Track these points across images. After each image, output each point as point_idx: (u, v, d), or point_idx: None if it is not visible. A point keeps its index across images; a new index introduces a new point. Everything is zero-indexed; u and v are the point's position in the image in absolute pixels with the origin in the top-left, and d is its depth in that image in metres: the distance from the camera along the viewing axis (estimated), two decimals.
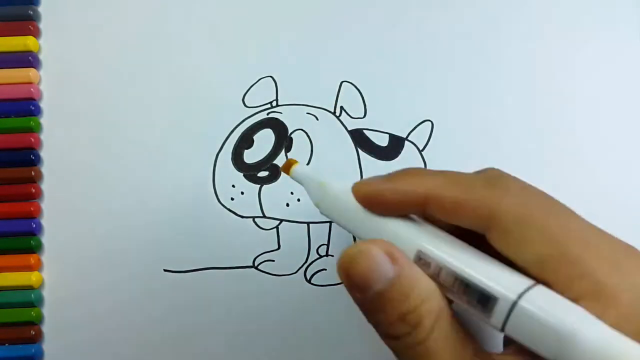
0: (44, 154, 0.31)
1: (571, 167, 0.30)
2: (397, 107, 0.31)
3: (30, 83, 0.31)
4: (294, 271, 0.30)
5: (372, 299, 0.19)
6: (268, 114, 0.31)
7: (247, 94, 0.31)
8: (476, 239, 0.19)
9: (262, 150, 0.30)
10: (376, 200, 0.20)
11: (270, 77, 0.31)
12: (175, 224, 0.30)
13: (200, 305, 0.30)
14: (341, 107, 0.31)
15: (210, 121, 0.31)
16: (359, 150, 0.31)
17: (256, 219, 0.30)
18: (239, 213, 0.30)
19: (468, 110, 0.31)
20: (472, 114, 0.31)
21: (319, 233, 0.30)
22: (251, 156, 0.31)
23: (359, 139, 0.31)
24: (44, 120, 0.31)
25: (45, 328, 0.30)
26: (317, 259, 0.30)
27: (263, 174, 0.30)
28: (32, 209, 0.30)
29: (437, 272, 0.19)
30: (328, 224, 0.30)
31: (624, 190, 0.30)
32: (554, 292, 0.17)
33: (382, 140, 0.31)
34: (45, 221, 0.30)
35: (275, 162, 0.30)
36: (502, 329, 0.18)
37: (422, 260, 0.19)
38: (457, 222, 0.19)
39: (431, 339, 0.18)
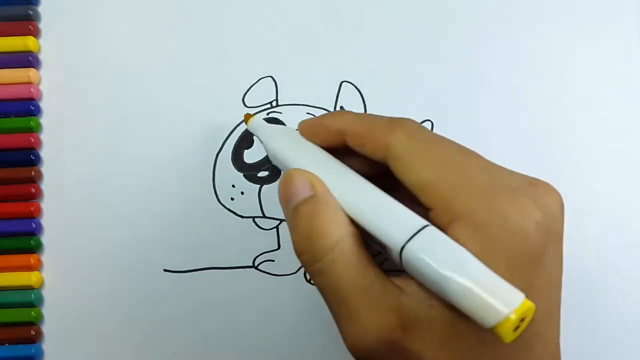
0: (44, 154, 0.31)
1: (571, 167, 0.30)
2: (397, 107, 0.31)
3: (30, 83, 0.31)
4: (294, 271, 0.30)
5: (291, 214, 0.22)
6: (268, 114, 0.31)
7: (247, 94, 0.31)
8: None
9: (262, 150, 0.30)
10: (310, 130, 0.24)
11: (270, 77, 0.31)
12: (175, 224, 0.30)
13: (200, 305, 0.30)
14: (341, 107, 0.31)
15: (210, 121, 0.31)
16: None
17: (256, 219, 0.30)
18: (239, 213, 0.30)
19: (468, 110, 0.31)
20: (472, 114, 0.31)
21: None
22: (251, 156, 0.31)
23: None
24: (44, 120, 0.31)
25: (45, 328, 0.30)
26: None
27: (263, 174, 0.30)
28: (32, 209, 0.30)
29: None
30: None
31: (628, 190, 0.30)
32: (438, 233, 0.19)
33: None
34: (45, 221, 0.30)
35: None
36: (401, 266, 0.19)
37: None
38: (365, 152, 0.22)
39: (330, 260, 0.20)
